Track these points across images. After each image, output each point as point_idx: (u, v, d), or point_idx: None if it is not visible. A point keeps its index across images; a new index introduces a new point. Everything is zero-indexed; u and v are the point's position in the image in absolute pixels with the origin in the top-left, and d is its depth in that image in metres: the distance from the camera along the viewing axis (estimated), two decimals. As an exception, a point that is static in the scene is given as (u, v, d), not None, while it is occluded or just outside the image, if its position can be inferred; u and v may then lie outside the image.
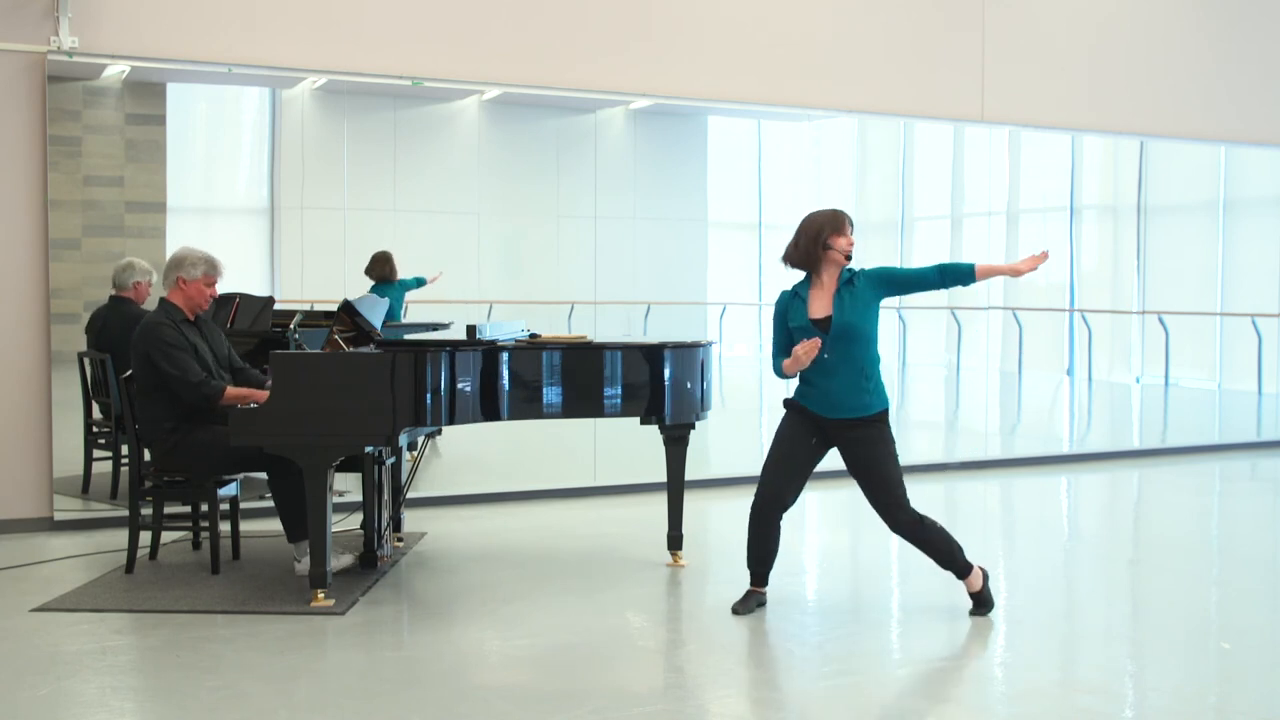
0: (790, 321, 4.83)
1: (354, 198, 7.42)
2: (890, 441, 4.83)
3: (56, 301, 6.49)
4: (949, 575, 5.32)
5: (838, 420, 4.80)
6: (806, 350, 4.61)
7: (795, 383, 4.92)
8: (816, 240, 4.81)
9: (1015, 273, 4.86)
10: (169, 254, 5.59)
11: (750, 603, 5.00)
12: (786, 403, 4.95)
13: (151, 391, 5.29)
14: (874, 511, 4.89)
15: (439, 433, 7.84)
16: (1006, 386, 10.40)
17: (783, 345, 4.86)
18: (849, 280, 4.82)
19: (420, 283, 7.65)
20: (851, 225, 4.86)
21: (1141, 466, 9.32)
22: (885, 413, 4.84)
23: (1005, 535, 7.04)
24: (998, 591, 5.23)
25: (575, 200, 8.20)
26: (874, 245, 10.01)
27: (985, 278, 4.89)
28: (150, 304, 6.21)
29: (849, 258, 4.83)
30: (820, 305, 4.80)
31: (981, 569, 4.99)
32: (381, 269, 7.51)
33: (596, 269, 8.11)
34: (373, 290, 7.52)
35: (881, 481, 4.79)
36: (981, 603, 4.94)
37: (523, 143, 8.30)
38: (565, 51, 7.59)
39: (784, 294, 4.92)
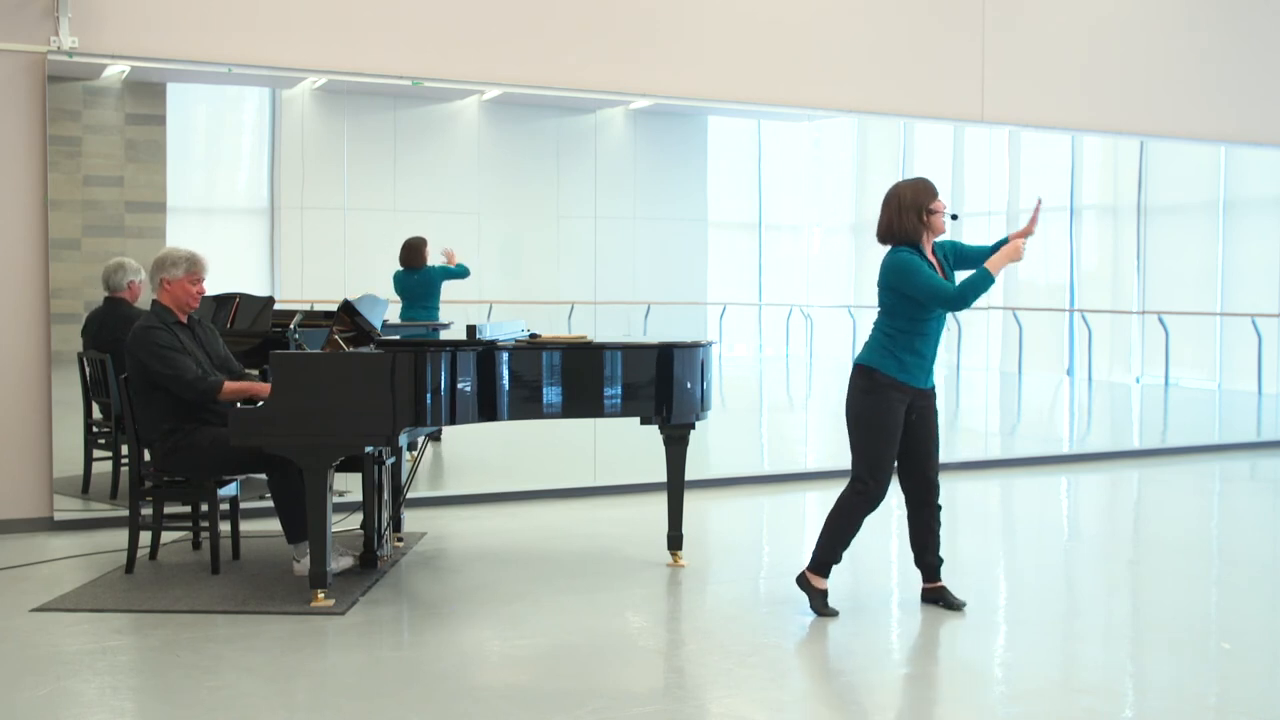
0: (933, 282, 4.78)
1: (354, 198, 7.43)
2: None
3: (56, 301, 6.49)
4: (948, 575, 5.32)
5: (925, 390, 4.89)
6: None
7: (890, 360, 4.80)
8: (919, 211, 4.79)
9: (1017, 248, 4.80)
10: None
11: (826, 599, 4.93)
12: (882, 381, 4.80)
13: (148, 394, 5.28)
14: (919, 478, 4.94)
15: (439, 437, 7.90)
16: (1006, 386, 10.41)
17: (940, 281, 4.76)
18: (944, 253, 4.90)
19: (459, 271, 7.70)
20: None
21: (1141, 466, 9.32)
22: None
23: (1005, 535, 7.04)
24: (997, 591, 5.23)
25: (575, 200, 8.20)
26: (874, 245, 10.00)
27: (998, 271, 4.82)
28: (144, 302, 6.21)
29: (936, 213, 4.80)
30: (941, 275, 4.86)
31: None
32: (406, 255, 7.65)
33: (596, 269, 8.11)
34: (400, 276, 7.62)
35: (937, 449, 4.95)
36: (951, 597, 4.97)
37: (523, 143, 8.30)
38: (565, 51, 7.59)
39: (908, 250, 4.80)
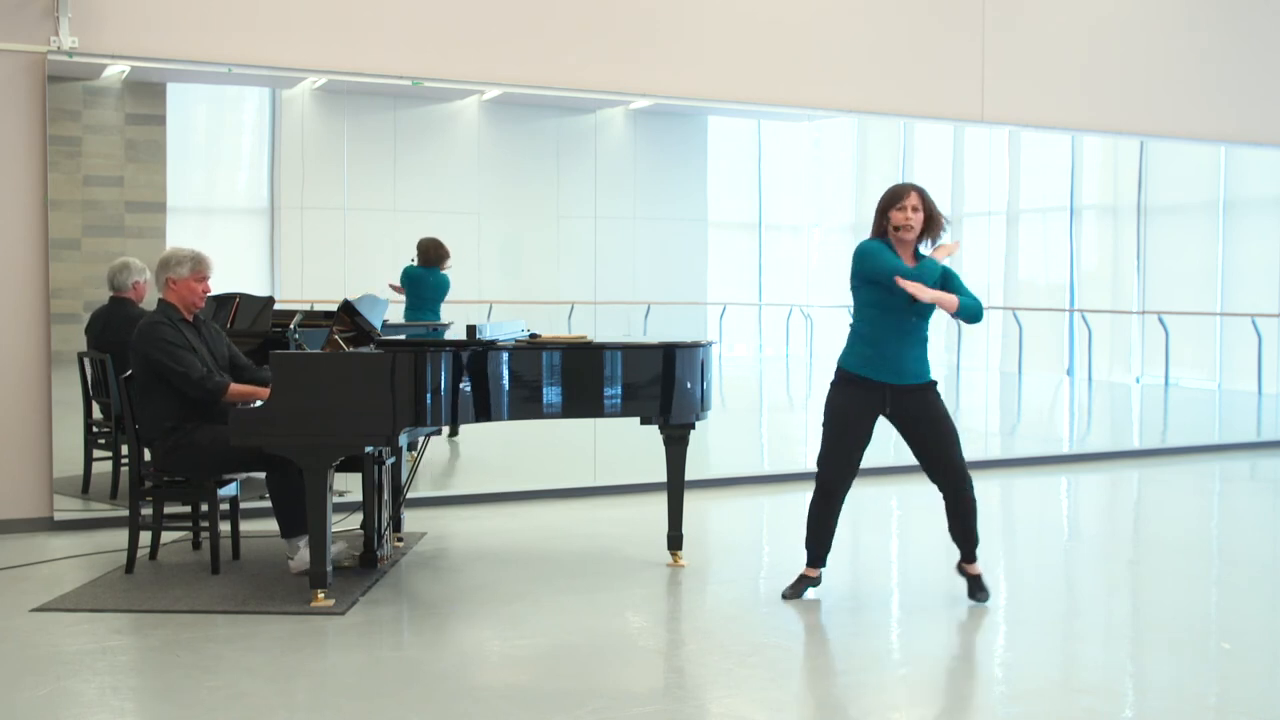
0: (888, 263, 4.82)
1: (354, 198, 7.43)
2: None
3: (56, 301, 6.49)
4: (948, 574, 5.33)
5: (903, 386, 4.91)
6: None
7: (850, 354, 4.95)
8: (880, 215, 4.91)
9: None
10: (164, 256, 5.60)
11: (801, 587, 5.12)
12: (841, 376, 4.96)
13: (151, 391, 5.30)
14: (941, 473, 4.98)
15: (451, 431, 7.90)
16: (1006, 386, 10.41)
17: (897, 261, 4.84)
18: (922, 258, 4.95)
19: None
20: (922, 198, 4.87)
21: (1141, 466, 9.32)
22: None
23: (1005, 535, 7.03)
24: (997, 591, 5.23)
25: (575, 200, 8.20)
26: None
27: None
28: (149, 303, 6.22)
29: (898, 229, 4.85)
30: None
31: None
32: (425, 255, 7.67)
33: (596, 269, 8.11)
34: (418, 273, 7.64)
35: (953, 433, 4.96)
36: (981, 588, 5.06)
37: (523, 143, 8.30)
38: (565, 51, 7.59)
39: (876, 241, 4.89)
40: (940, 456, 4.97)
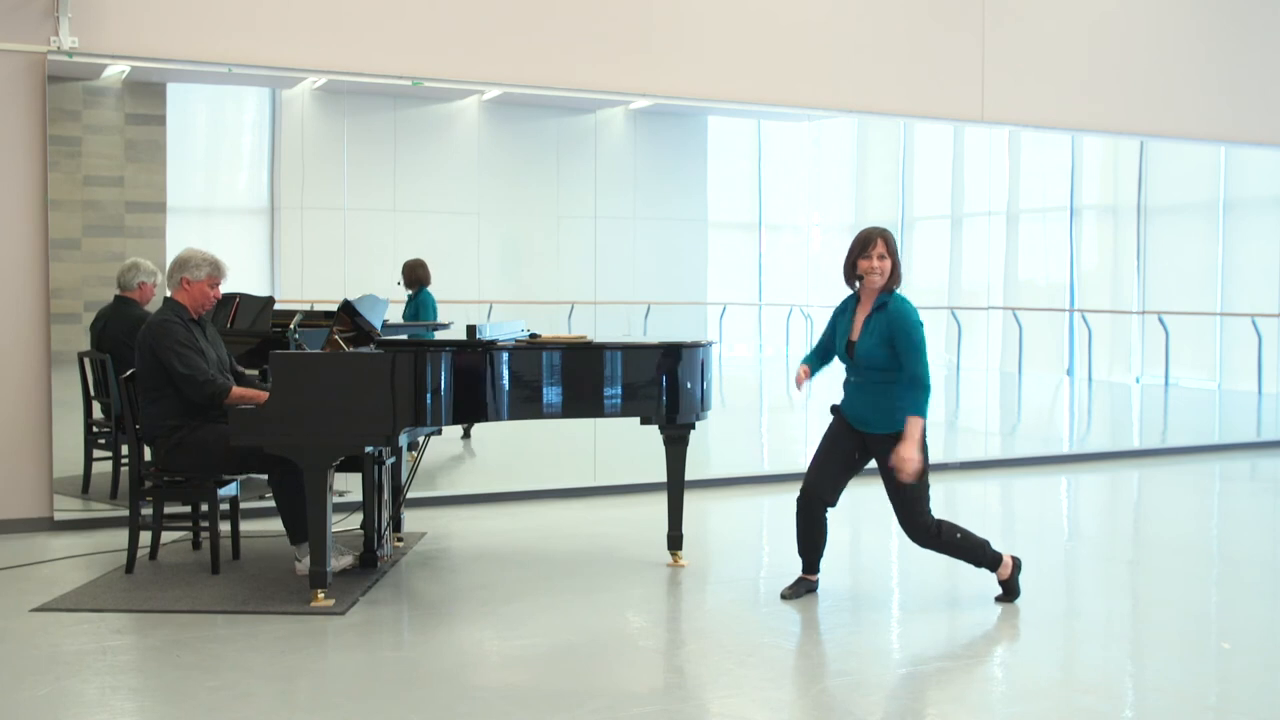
0: (836, 334, 5.09)
1: (354, 198, 7.43)
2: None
3: (56, 301, 6.49)
4: (948, 574, 5.34)
5: (869, 434, 4.97)
6: (797, 379, 5.14)
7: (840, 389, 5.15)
8: (849, 262, 5.00)
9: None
10: (169, 254, 5.63)
11: (800, 589, 5.18)
12: (833, 408, 5.14)
13: (156, 389, 5.30)
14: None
15: (464, 433, 7.88)
16: (1006, 386, 10.41)
17: (821, 347, 5.19)
18: (882, 306, 4.93)
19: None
20: (887, 245, 4.93)
21: (1141, 466, 9.32)
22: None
23: (1005, 535, 7.03)
24: (997, 591, 5.23)
25: (575, 200, 8.20)
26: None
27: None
28: (154, 305, 6.22)
29: (862, 277, 4.96)
30: (856, 326, 5.00)
31: (1013, 558, 5.12)
32: (415, 276, 7.66)
33: (596, 269, 8.11)
34: (409, 299, 7.65)
35: (897, 497, 4.95)
36: (1008, 591, 5.09)
37: (523, 143, 8.30)
38: (566, 52, 7.60)
39: (845, 300, 5.12)
40: (895, 509, 4.99)
